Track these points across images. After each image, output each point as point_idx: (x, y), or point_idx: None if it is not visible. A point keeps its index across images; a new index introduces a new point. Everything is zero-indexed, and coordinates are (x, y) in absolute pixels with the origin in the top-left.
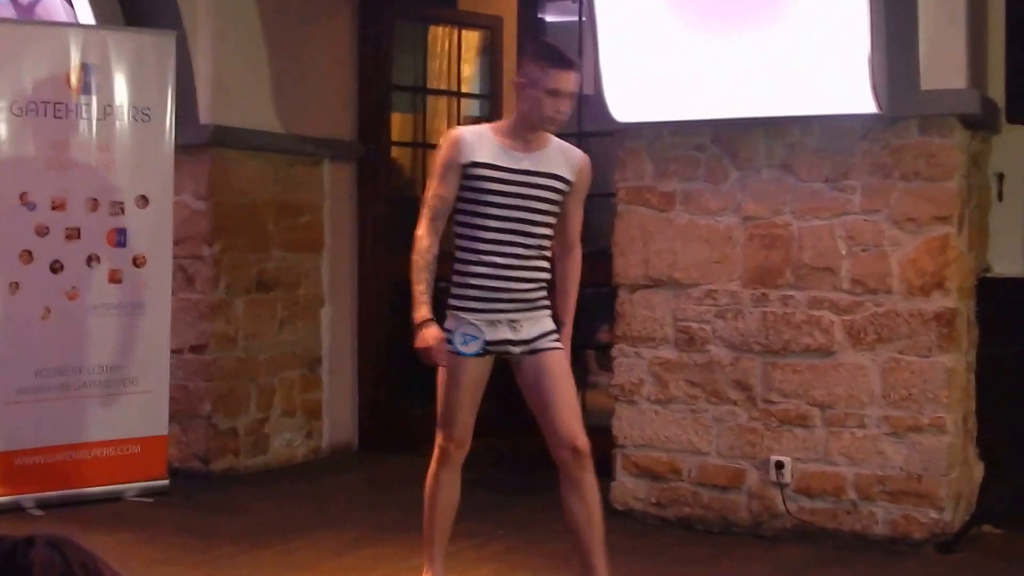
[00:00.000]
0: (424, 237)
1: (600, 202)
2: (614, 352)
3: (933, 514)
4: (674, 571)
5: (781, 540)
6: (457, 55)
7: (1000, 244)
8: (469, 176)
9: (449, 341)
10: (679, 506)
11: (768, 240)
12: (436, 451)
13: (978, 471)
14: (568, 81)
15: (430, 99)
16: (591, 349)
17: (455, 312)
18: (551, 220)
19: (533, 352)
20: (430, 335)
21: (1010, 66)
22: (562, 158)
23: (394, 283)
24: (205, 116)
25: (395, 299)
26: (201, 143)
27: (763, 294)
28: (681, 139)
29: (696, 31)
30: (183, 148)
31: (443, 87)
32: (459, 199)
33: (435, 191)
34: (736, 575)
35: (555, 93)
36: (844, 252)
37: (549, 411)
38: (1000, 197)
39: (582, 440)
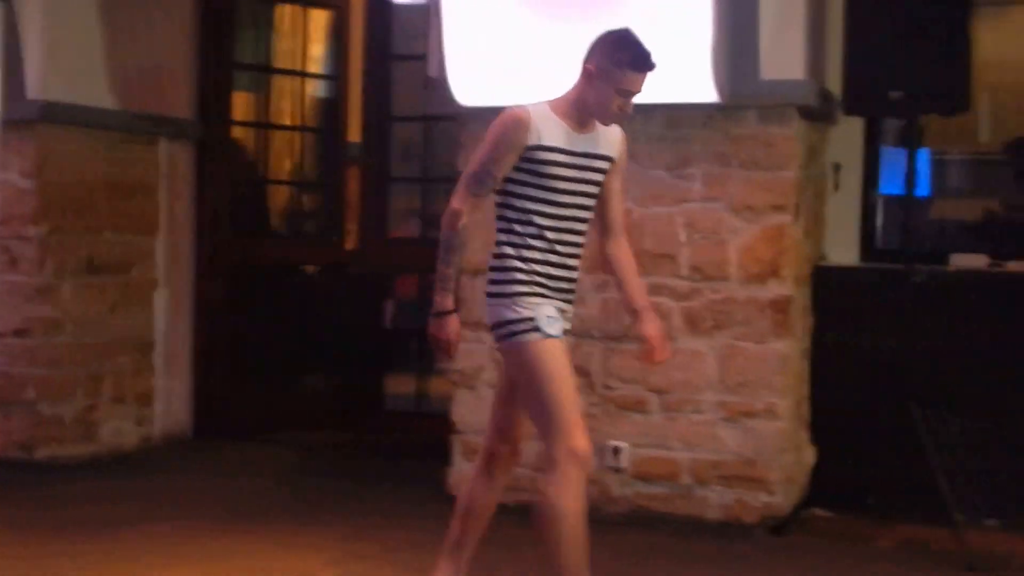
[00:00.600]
0: (463, 214)
1: (450, 187)
2: None
3: (765, 498)
4: (507, 556)
5: (617, 525)
6: (304, 35)
7: (835, 233)
8: (533, 159)
9: (531, 330)
10: (517, 492)
11: None
12: (564, 456)
13: (810, 455)
14: (642, 83)
15: (276, 79)
16: None
17: (520, 298)
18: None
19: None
20: (453, 328)
21: (848, 58)
22: (606, 135)
23: (235, 266)
24: (33, 91)
25: (237, 283)
26: (28, 119)
27: (604, 281)
28: None
29: (540, 18)
30: (9, 124)
31: (290, 67)
32: (515, 180)
33: (486, 166)
34: None
35: (626, 94)
36: (683, 239)
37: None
38: (836, 187)
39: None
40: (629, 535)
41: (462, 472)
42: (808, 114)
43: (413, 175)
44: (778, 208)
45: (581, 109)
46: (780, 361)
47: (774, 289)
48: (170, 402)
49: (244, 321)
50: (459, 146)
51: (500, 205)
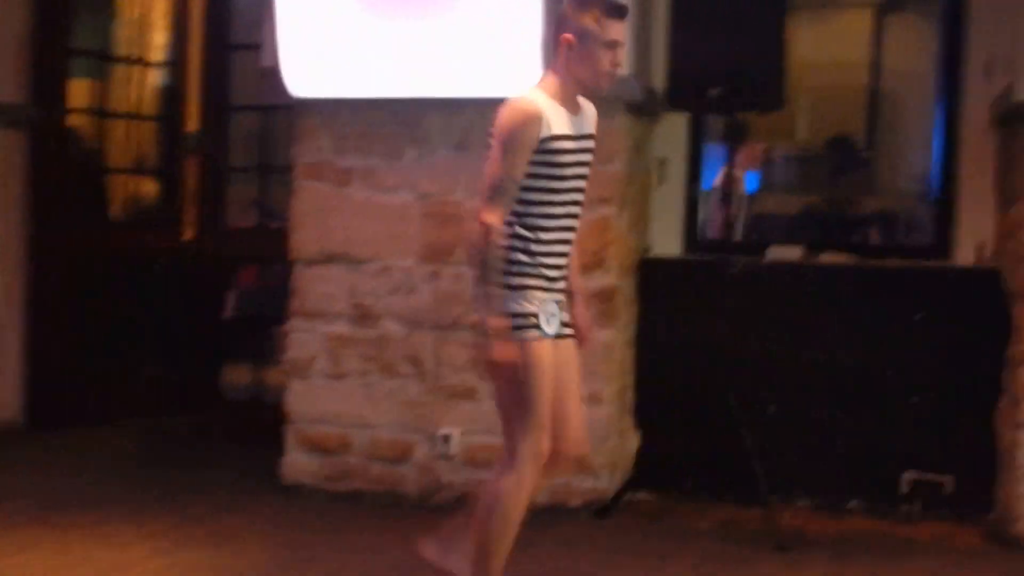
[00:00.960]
0: (496, 227)
1: (288, 177)
2: (289, 327)
3: (590, 482)
4: (339, 543)
5: (446, 511)
6: (146, 22)
7: (660, 226)
8: (546, 150)
9: (531, 327)
10: (350, 480)
11: (442, 218)
12: (530, 457)
13: (633, 441)
14: (623, 30)
15: (117, 66)
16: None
17: (522, 291)
18: None
19: (559, 337)
20: (506, 351)
21: (672, 55)
22: (588, 112)
23: (72, 254)
24: None
25: (74, 271)
26: None
27: (436, 271)
28: (360, 116)
29: (376, 10)
30: None
31: (131, 54)
32: (528, 175)
33: (508, 172)
34: (398, 548)
35: (612, 45)
36: None
37: (563, 405)
38: (661, 181)
39: (586, 447)
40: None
41: (297, 461)
42: (633, 109)
43: (253, 165)
44: (604, 201)
45: (574, 85)
46: (605, 350)
47: (600, 280)
48: (1, 392)
49: (81, 309)
50: (295, 137)
51: (518, 200)
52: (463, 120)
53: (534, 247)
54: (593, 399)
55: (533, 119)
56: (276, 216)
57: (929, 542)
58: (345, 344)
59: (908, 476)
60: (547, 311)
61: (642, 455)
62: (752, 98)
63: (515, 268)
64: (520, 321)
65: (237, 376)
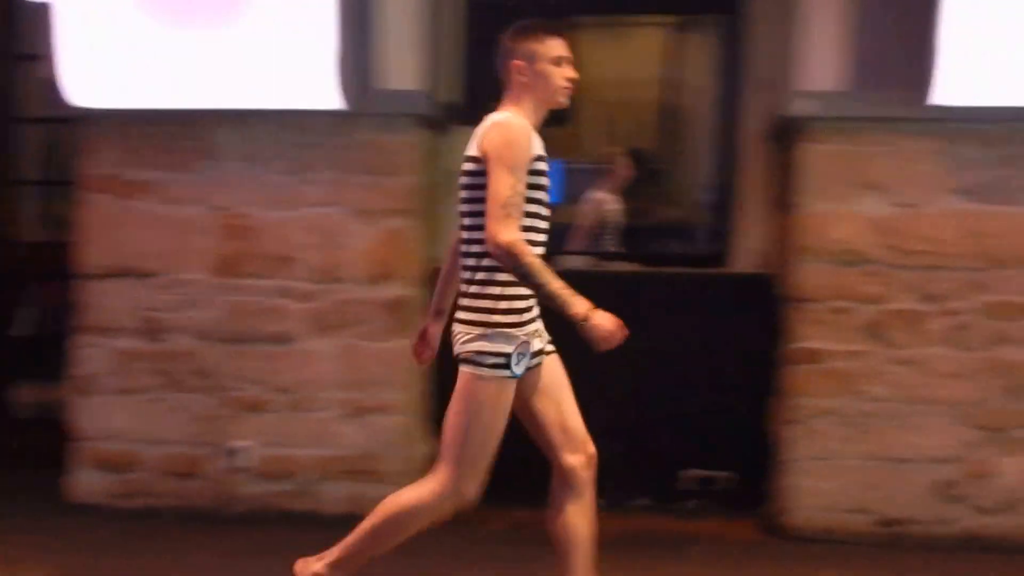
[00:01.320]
0: (519, 241)
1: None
2: (76, 342)
3: (383, 489)
4: (129, 561)
5: (238, 524)
6: None
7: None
8: (534, 172)
9: (500, 366)
10: (142, 496)
11: (234, 230)
12: (439, 486)
13: (430, 448)
14: (564, 45)
15: None
16: None
17: (503, 330)
18: None
19: (543, 353)
20: (608, 319)
21: (465, 70)
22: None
23: None
24: None
25: None
26: None
27: (228, 283)
28: (150, 128)
29: (165, 20)
30: None
31: None
32: None
33: (516, 188)
34: (183, 562)
35: (559, 60)
36: (305, 243)
37: (561, 415)
38: (452, 193)
39: (592, 446)
40: (248, 533)
41: (85, 480)
42: (425, 123)
43: (41, 178)
44: (394, 212)
45: (539, 107)
46: (398, 358)
47: (392, 290)
48: None
49: None
50: (80, 149)
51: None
52: (255, 133)
53: (509, 277)
54: (386, 408)
55: (529, 135)
56: (64, 229)
57: (708, 536)
58: (134, 359)
59: (689, 473)
60: (519, 351)
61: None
62: None
63: (497, 304)
64: (493, 360)
65: (27, 395)
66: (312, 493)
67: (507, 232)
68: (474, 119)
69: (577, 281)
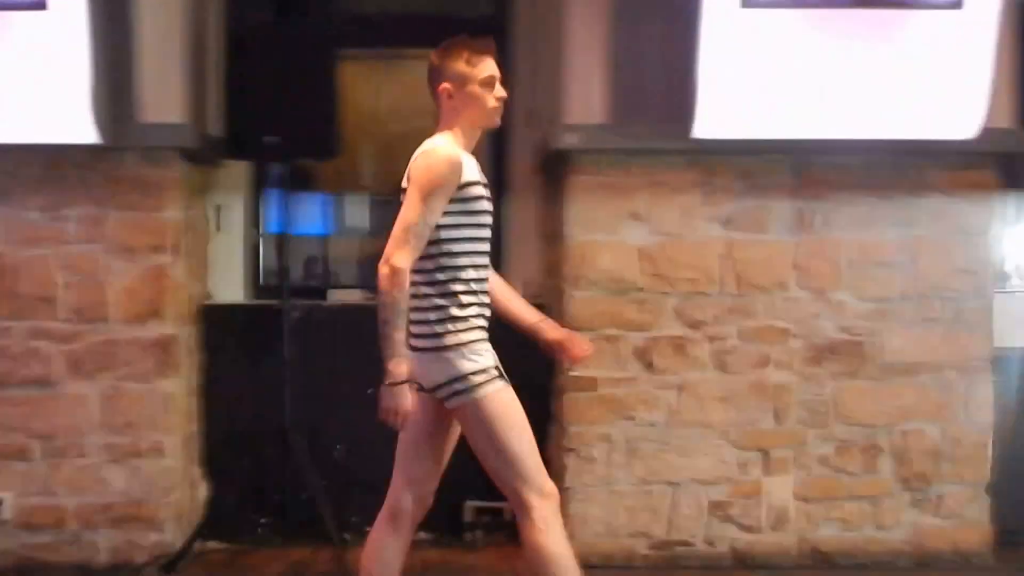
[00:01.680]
0: (408, 274)
1: None
2: None
3: (154, 536)
4: None
5: None
6: None
7: (220, 272)
8: (466, 198)
9: (493, 379)
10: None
11: None
12: (538, 501)
13: (203, 490)
14: (493, 64)
15: None
16: None
17: (469, 345)
18: None
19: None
20: (410, 400)
21: (229, 104)
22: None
23: None
24: None
25: None
26: None
27: None
28: None
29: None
30: None
31: None
32: (448, 225)
33: (424, 217)
34: None
35: (490, 81)
36: (62, 282)
37: (441, 458)
38: (219, 228)
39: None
40: None
41: None
42: (189, 156)
43: None
44: (158, 249)
45: (472, 130)
46: (165, 400)
47: (156, 329)
48: None
49: None
50: None
51: (441, 251)
52: (7, 167)
53: (465, 299)
54: (154, 451)
55: (455, 166)
56: None
57: (489, 567)
58: None
59: (470, 505)
60: (495, 361)
61: (213, 504)
62: (308, 147)
63: (454, 325)
64: (482, 377)
65: None
66: (77, 543)
67: (400, 258)
68: (241, 152)
69: (349, 315)
